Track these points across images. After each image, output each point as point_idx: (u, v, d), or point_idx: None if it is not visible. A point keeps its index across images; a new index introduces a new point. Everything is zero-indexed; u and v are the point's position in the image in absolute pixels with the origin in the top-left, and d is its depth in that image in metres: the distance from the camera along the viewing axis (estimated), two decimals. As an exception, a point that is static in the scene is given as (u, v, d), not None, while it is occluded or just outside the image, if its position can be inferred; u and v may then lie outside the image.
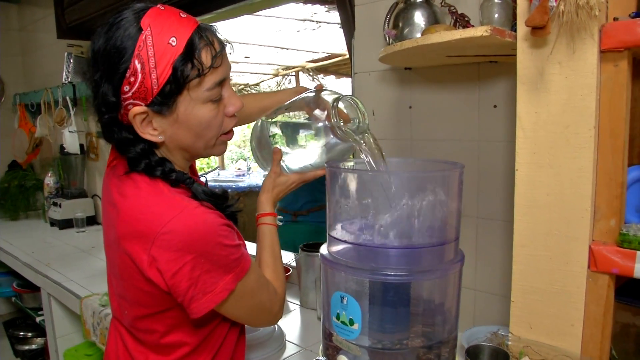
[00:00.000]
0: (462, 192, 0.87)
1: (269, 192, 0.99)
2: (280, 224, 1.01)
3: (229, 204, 0.84)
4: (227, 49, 0.80)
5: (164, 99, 0.74)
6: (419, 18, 1.08)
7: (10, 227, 2.82)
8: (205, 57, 0.74)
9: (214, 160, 5.96)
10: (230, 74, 0.82)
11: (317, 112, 0.99)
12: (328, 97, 0.99)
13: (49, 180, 2.86)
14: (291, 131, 1.01)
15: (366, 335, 0.82)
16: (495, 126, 1.17)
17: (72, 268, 1.96)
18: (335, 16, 3.40)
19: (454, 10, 1.07)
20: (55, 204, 2.72)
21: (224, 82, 0.79)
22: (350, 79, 1.50)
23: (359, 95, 1.43)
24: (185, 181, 0.79)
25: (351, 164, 1.01)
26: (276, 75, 5.48)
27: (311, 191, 2.27)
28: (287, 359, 1.20)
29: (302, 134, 1.00)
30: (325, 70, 4.97)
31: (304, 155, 1.00)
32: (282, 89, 4.58)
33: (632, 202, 0.81)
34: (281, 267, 0.95)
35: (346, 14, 1.46)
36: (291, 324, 1.40)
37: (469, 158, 1.21)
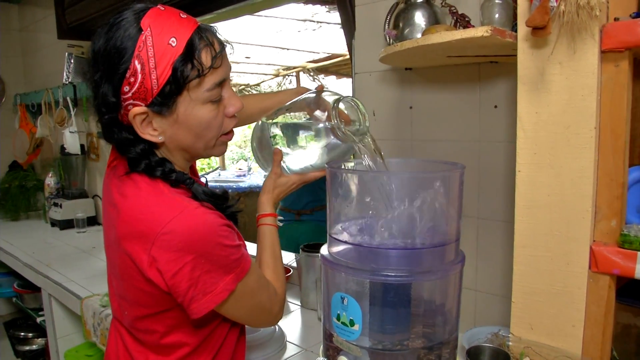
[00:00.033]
0: (463, 192, 0.86)
1: (269, 193, 1.00)
2: (281, 224, 1.01)
3: (229, 204, 0.84)
4: (228, 50, 0.80)
5: (164, 100, 0.74)
6: (419, 18, 1.08)
7: (10, 227, 2.81)
8: (205, 57, 0.74)
9: (214, 161, 5.95)
10: (231, 74, 0.82)
11: (317, 113, 0.99)
12: (329, 98, 0.99)
13: (50, 180, 2.86)
14: (292, 132, 1.01)
15: (367, 336, 0.82)
16: (496, 126, 1.16)
17: (73, 268, 1.95)
18: (335, 16, 3.40)
19: (455, 11, 1.07)
20: (55, 205, 2.72)
21: (224, 82, 0.79)
22: (350, 79, 1.50)
23: (360, 95, 1.43)
24: (186, 181, 0.79)
25: (351, 164, 1.01)
26: (277, 75, 5.48)
27: (314, 190, 2.27)
28: (287, 360, 1.20)
29: (303, 135, 1.00)
30: (325, 70, 4.96)
31: (305, 156, 1.00)
32: (282, 89, 4.58)
33: (633, 203, 0.81)
34: (281, 268, 0.95)
35: (347, 14, 1.46)
36: (292, 324, 1.40)
37: (470, 158, 1.21)
